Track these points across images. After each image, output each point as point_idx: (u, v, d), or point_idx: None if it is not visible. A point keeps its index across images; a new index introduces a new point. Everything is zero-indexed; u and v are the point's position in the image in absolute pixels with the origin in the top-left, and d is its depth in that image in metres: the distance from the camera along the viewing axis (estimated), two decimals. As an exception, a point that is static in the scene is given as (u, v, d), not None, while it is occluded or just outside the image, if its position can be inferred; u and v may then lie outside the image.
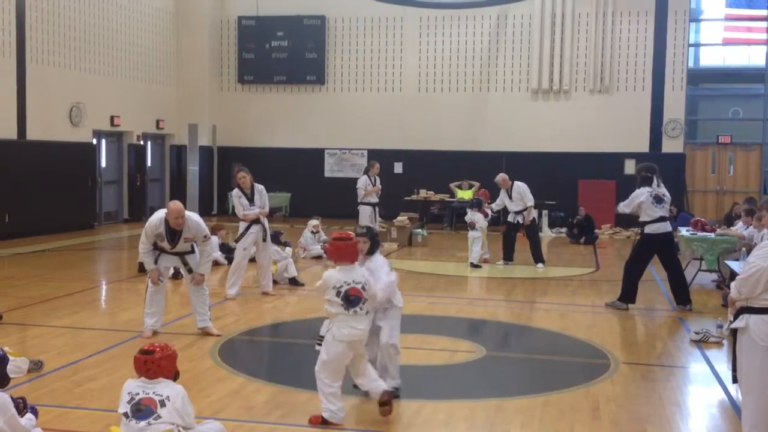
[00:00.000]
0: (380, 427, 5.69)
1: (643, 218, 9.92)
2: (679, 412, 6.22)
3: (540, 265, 13.76)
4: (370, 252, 6.10)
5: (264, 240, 10.60)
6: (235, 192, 10.62)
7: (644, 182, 9.96)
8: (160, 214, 8.04)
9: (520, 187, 13.77)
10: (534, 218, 14.15)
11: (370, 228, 6.41)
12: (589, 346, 8.23)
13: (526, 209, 13.75)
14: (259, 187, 10.65)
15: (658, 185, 9.95)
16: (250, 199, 10.51)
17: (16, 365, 6.67)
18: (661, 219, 9.86)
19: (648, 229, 9.92)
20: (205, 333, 8.25)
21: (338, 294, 5.53)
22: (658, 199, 9.84)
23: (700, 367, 7.61)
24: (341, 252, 5.64)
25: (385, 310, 6.13)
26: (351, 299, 5.53)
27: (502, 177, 14.00)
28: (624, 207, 10.13)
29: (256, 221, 10.51)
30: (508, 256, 14.06)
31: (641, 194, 9.87)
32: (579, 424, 5.81)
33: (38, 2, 17.26)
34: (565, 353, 8.18)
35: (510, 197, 13.84)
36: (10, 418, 4.64)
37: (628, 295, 10.14)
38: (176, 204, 8.00)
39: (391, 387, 5.94)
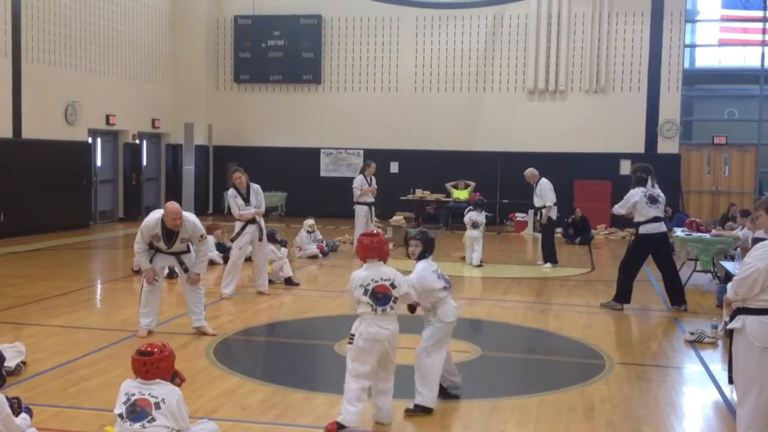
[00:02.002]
0: (376, 426, 5.69)
1: (637, 218, 9.95)
2: (673, 413, 6.23)
3: (547, 264, 13.69)
4: (421, 257, 5.97)
5: (260, 239, 10.59)
6: (231, 192, 10.61)
7: (639, 183, 9.99)
8: (156, 214, 8.02)
9: (543, 184, 13.70)
10: (551, 218, 13.81)
11: (425, 232, 6.20)
12: (584, 347, 8.24)
13: (544, 207, 13.65)
14: (255, 187, 10.64)
15: (653, 186, 9.97)
16: (246, 199, 10.51)
17: (17, 350, 6.74)
18: (656, 219, 9.88)
19: (642, 230, 9.95)
20: (201, 332, 8.24)
21: (365, 292, 5.40)
22: (652, 200, 9.86)
23: (694, 367, 7.63)
24: (366, 248, 5.49)
25: (429, 323, 5.96)
26: (379, 297, 5.39)
27: (530, 172, 13.95)
28: (619, 208, 10.16)
29: (252, 221, 10.51)
30: (552, 259, 13.91)
31: (635, 194, 9.89)
32: (574, 425, 5.82)
33: (34, 1, 17.22)
34: (561, 353, 8.20)
35: (535, 192, 13.80)
36: (5, 418, 4.63)
37: (623, 295, 10.16)
38: (174, 205, 7.98)
39: (413, 404, 5.88)
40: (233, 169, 10.86)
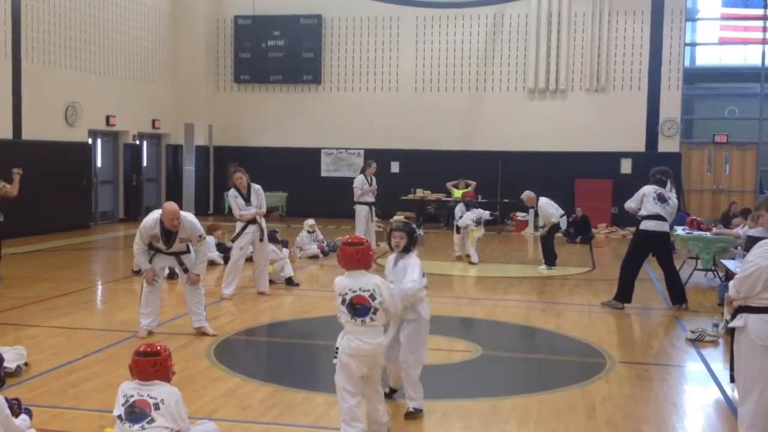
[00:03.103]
0: None
1: (641, 213, 9.93)
2: (675, 412, 6.22)
3: (543, 266, 13.66)
4: (406, 250, 5.74)
5: (261, 240, 10.58)
6: (232, 192, 10.61)
7: (656, 184, 9.98)
8: (155, 215, 8.02)
9: (542, 205, 13.51)
10: (558, 225, 13.66)
11: (408, 223, 6.01)
12: (585, 346, 8.23)
13: (551, 224, 13.44)
14: (256, 187, 10.63)
15: (671, 190, 9.97)
16: (247, 199, 10.49)
17: (18, 353, 6.74)
18: (658, 217, 9.85)
19: (643, 225, 9.92)
20: (201, 333, 8.23)
21: (343, 302, 5.13)
22: (661, 198, 9.83)
23: (696, 366, 7.61)
24: (348, 258, 5.20)
25: (409, 321, 5.78)
26: (356, 308, 5.09)
27: (527, 195, 13.83)
28: (630, 202, 10.14)
29: (253, 221, 10.49)
30: (550, 262, 13.86)
31: (645, 188, 9.94)
32: (575, 424, 5.80)
33: (34, 1, 17.22)
34: (561, 352, 8.18)
35: (537, 214, 13.73)
36: (4, 419, 4.62)
37: (624, 294, 10.14)
38: (171, 205, 7.98)
39: (411, 408, 5.79)
40: (234, 169, 10.85)
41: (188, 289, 8.27)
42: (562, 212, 13.70)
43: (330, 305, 10.01)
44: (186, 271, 8.24)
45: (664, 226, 9.97)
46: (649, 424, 5.85)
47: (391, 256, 5.92)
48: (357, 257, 5.20)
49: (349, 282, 5.17)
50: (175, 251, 8.16)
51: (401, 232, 5.80)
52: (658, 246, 10.04)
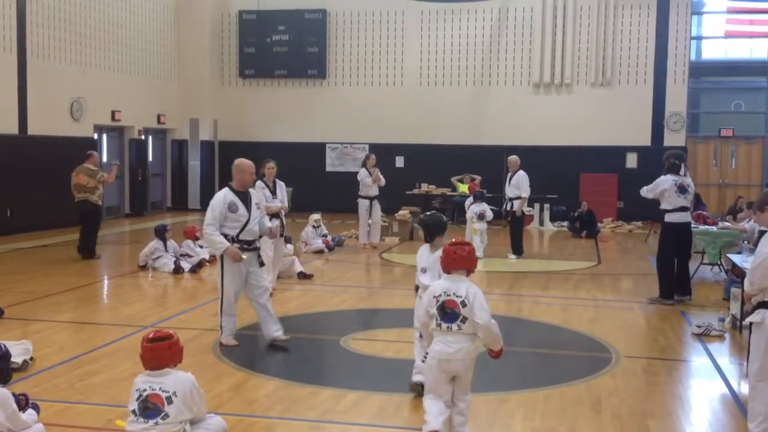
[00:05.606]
0: (383, 420, 5.70)
1: (664, 206, 9.84)
2: (680, 406, 6.21)
3: (513, 256, 13.82)
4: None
5: (280, 235, 10.58)
6: (258, 183, 10.55)
7: (671, 169, 9.85)
8: (220, 193, 7.74)
9: (521, 176, 14.01)
10: (523, 212, 14.22)
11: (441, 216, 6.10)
12: (590, 340, 8.23)
13: (518, 198, 13.88)
14: (281, 183, 10.63)
15: (685, 174, 9.90)
16: (273, 192, 10.49)
17: (24, 347, 6.76)
18: (682, 209, 9.80)
19: (668, 218, 9.85)
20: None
21: (436, 302, 4.93)
22: (682, 189, 9.77)
23: (701, 360, 7.60)
24: (464, 259, 5.01)
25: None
26: (447, 312, 4.89)
27: (514, 159, 14.28)
28: (647, 191, 10.04)
29: (275, 215, 10.45)
30: (518, 251, 14.18)
31: (666, 181, 9.80)
32: (580, 418, 5.81)
33: (39, -3, 17.25)
34: (567, 347, 8.17)
35: (509, 182, 14.03)
36: (11, 414, 4.65)
37: (667, 289, 9.99)
38: (244, 160, 7.98)
39: None
40: (267, 159, 10.78)
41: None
42: (529, 193, 14.09)
43: (336, 300, 10.09)
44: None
45: (687, 217, 9.95)
46: (655, 419, 5.85)
47: (425, 247, 5.96)
48: (469, 257, 5.04)
49: (446, 284, 4.98)
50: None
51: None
52: (682, 235, 9.96)
